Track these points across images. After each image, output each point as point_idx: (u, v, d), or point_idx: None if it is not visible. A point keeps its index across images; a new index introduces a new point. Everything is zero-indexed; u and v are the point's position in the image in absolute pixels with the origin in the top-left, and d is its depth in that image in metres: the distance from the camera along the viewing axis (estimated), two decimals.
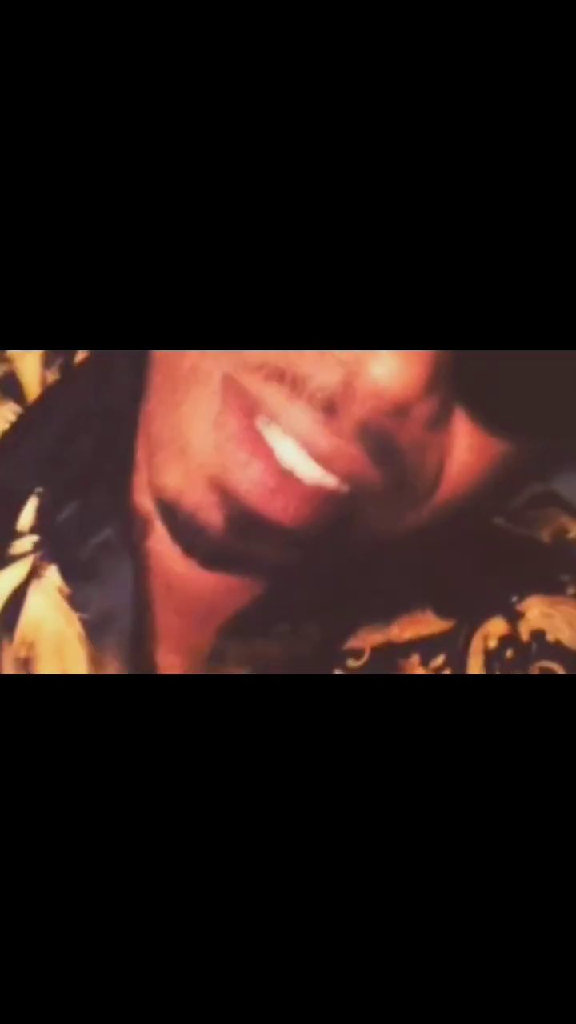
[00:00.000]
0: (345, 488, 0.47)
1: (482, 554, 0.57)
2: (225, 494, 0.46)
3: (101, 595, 0.51)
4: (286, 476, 0.46)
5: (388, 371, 0.45)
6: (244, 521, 0.47)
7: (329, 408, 0.45)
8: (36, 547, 0.52)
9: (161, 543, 0.51)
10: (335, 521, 0.48)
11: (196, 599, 0.52)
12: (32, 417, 0.54)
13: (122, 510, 0.52)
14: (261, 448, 0.46)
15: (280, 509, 0.46)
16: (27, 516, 0.52)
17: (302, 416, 0.46)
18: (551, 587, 0.57)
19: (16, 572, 0.51)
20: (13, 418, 0.54)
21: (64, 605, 0.51)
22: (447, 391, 0.47)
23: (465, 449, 0.48)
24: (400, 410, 0.45)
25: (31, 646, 0.52)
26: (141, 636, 0.52)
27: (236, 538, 0.47)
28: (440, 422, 0.47)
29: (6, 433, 0.53)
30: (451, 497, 0.49)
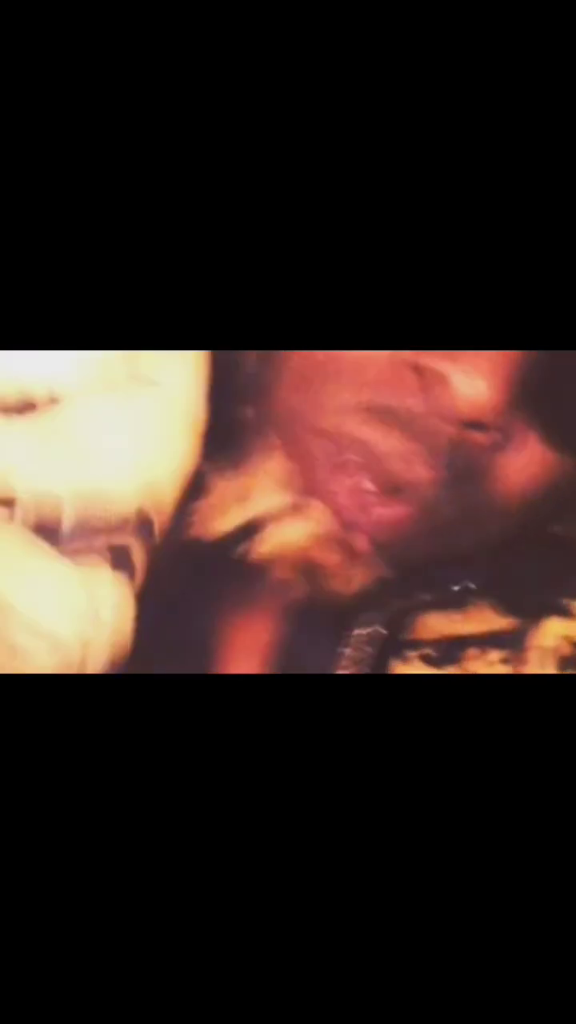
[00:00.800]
0: (428, 500, 0.52)
1: (541, 558, 0.61)
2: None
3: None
4: (378, 495, 0.52)
5: (473, 389, 0.49)
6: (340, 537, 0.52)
7: (413, 427, 0.51)
8: None
9: None
10: (418, 533, 0.53)
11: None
12: None
13: None
14: (355, 470, 0.52)
15: (372, 524, 0.52)
16: None
17: (387, 439, 0.51)
18: None
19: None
20: None
21: None
22: (522, 410, 0.51)
23: (534, 463, 0.53)
24: (481, 426, 0.51)
25: None
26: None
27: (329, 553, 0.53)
28: (514, 438, 0.52)
29: None
30: (517, 508, 0.54)
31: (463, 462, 0.51)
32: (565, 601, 0.59)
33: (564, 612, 0.60)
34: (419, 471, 0.51)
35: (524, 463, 0.53)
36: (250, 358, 0.55)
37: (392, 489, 0.52)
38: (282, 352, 0.53)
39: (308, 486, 0.53)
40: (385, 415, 0.51)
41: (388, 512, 0.52)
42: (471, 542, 0.56)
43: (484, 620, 0.60)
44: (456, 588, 0.60)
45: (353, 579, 0.55)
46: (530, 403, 0.52)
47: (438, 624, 0.59)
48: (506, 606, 0.60)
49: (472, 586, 0.60)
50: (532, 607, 0.60)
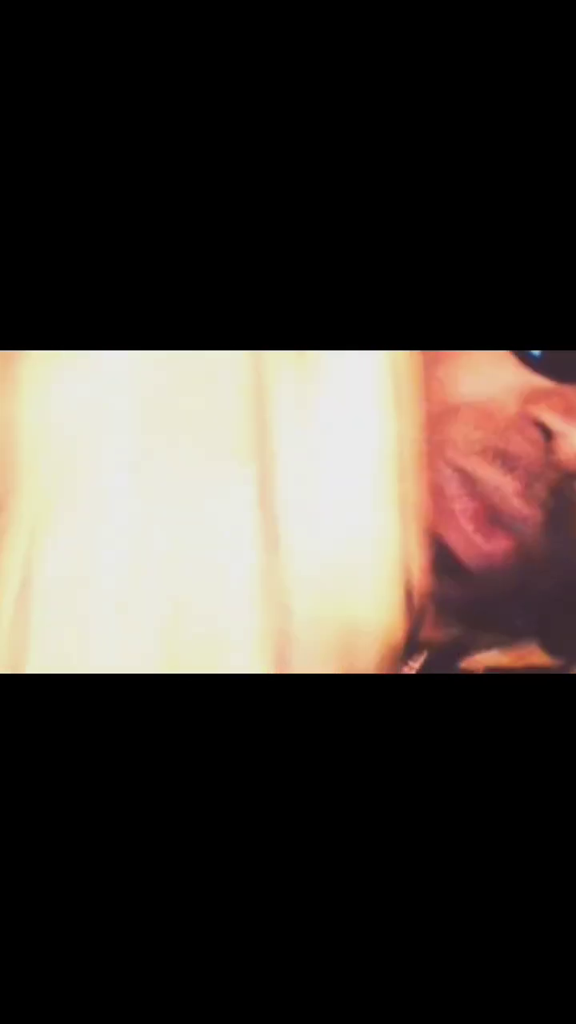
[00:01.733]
0: (527, 546, 0.56)
1: None
2: (432, 540, 0.55)
3: None
4: (485, 531, 0.55)
5: None
6: (444, 563, 0.56)
7: (525, 472, 0.55)
8: None
9: None
10: (509, 572, 0.56)
11: None
12: None
13: None
14: (469, 502, 0.56)
15: (475, 558, 0.56)
16: None
17: (501, 480, 0.55)
18: None
19: None
20: None
21: None
22: None
23: None
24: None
25: None
26: None
27: (430, 576, 0.56)
28: None
29: None
30: None
31: (563, 507, 0.55)
32: None
33: None
34: (522, 508, 0.55)
35: None
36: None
37: (494, 521, 0.56)
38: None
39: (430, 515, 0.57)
40: (503, 458, 0.56)
41: (490, 544, 0.56)
42: (550, 585, 0.59)
43: (529, 656, 0.62)
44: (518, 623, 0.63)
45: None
46: None
47: (485, 657, 0.63)
48: (554, 647, 0.63)
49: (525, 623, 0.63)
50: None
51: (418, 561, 0.55)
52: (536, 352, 0.56)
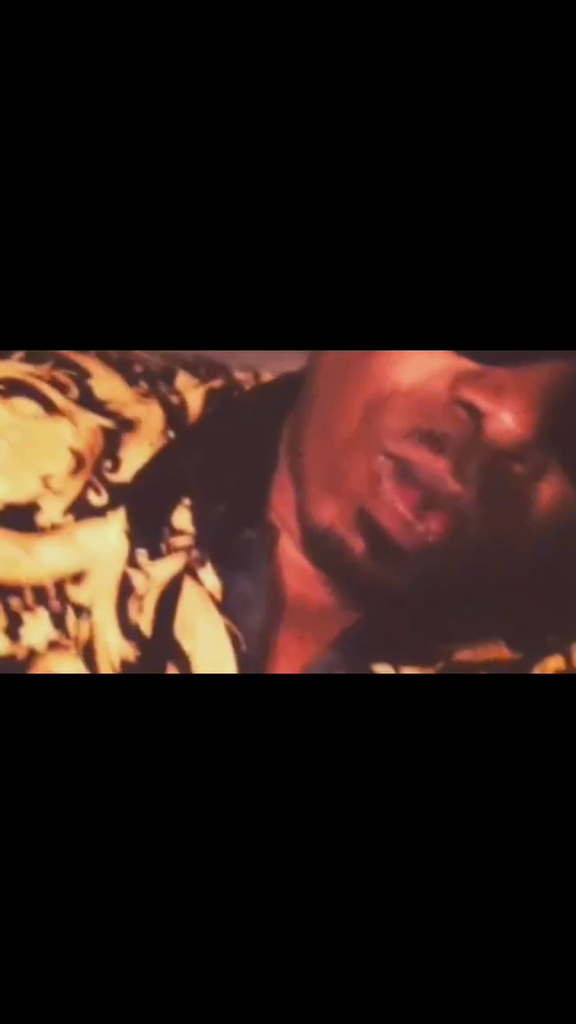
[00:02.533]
0: (464, 524, 0.57)
1: (549, 600, 0.64)
2: (370, 526, 0.57)
3: (244, 585, 0.61)
4: (420, 514, 0.56)
5: (513, 420, 0.55)
6: (382, 548, 0.57)
7: (456, 453, 0.56)
8: (191, 542, 0.61)
9: (289, 555, 0.61)
10: (450, 550, 0.57)
11: (312, 611, 0.62)
12: (191, 437, 0.64)
13: (261, 519, 0.62)
14: (403, 488, 0.56)
15: (412, 541, 0.56)
16: (182, 515, 0.62)
17: (433, 462, 0.56)
18: None
19: (173, 564, 0.61)
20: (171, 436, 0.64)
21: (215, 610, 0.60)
22: (549, 444, 0.56)
23: (553, 498, 0.58)
24: (516, 457, 0.56)
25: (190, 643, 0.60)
26: (267, 632, 0.61)
27: (370, 562, 0.57)
28: (541, 471, 0.57)
29: (168, 448, 0.63)
30: (536, 541, 0.58)
31: (498, 486, 0.57)
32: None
33: (566, 652, 0.63)
34: (457, 488, 0.56)
35: (551, 497, 0.58)
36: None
37: (430, 504, 0.57)
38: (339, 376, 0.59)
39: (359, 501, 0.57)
40: (434, 441, 0.56)
41: (424, 525, 0.57)
42: (500, 572, 0.60)
43: (492, 651, 0.63)
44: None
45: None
46: (558, 440, 0.57)
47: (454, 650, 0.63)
48: (515, 641, 0.64)
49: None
50: (538, 645, 0.63)
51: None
52: None
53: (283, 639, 0.61)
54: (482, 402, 0.55)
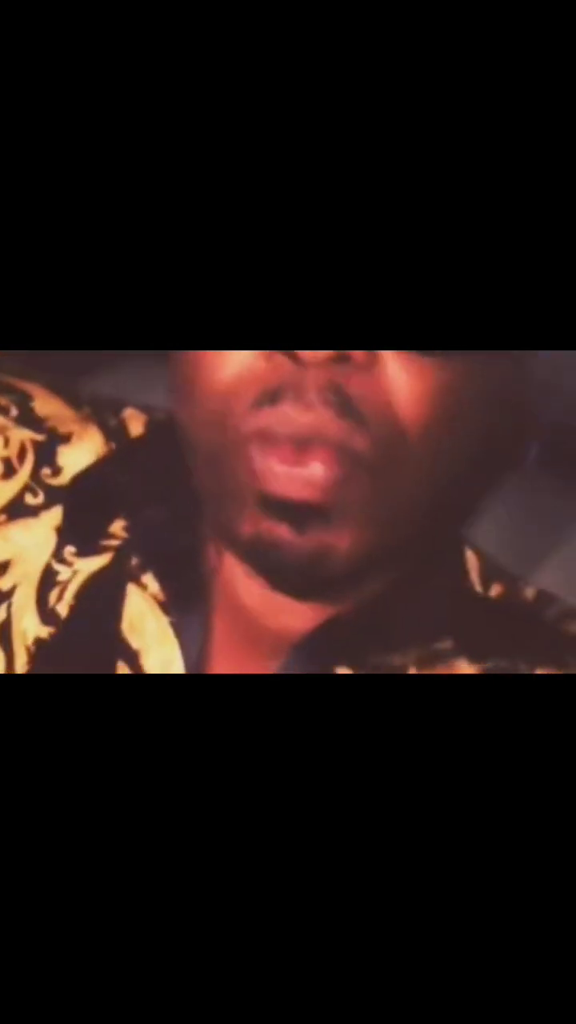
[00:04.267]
0: (341, 451, 0.56)
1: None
2: (274, 504, 0.57)
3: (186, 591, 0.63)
4: (299, 459, 0.56)
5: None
6: (298, 516, 0.57)
7: (293, 393, 0.56)
8: (123, 543, 0.64)
9: (232, 572, 0.63)
10: (355, 489, 0.57)
11: (262, 625, 0.63)
12: (132, 449, 0.67)
13: (198, 535, 0.64)
14: (272, 451, 0.57)
15: (312, 489, 0.57)
16: (118, 524, 0.64)
17: (278, 414, 0.56)
18: None
19: (99, 560, 0.63)
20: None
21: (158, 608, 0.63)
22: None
23: (410, 379, 0.57)
24: (344, 362, 0.56)
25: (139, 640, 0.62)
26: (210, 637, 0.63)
27: (302, 539, 0.57)
28: (374, 362, 0.57)
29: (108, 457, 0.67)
30: (424, 433, 0.58)
31: (340, 392, 0.56)
32: None
33: None
34: (309, 417, 0.56)
35: (404, 383, 0.57)
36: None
37: (301, 446, 0.57)
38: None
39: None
40: (269, 400, 0.57)
41: (309, 469, 0.57)
42: (410, 482, 0.59)
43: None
44: None
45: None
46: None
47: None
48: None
49: None
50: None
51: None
52: None
53: (228, 645, 0.63)
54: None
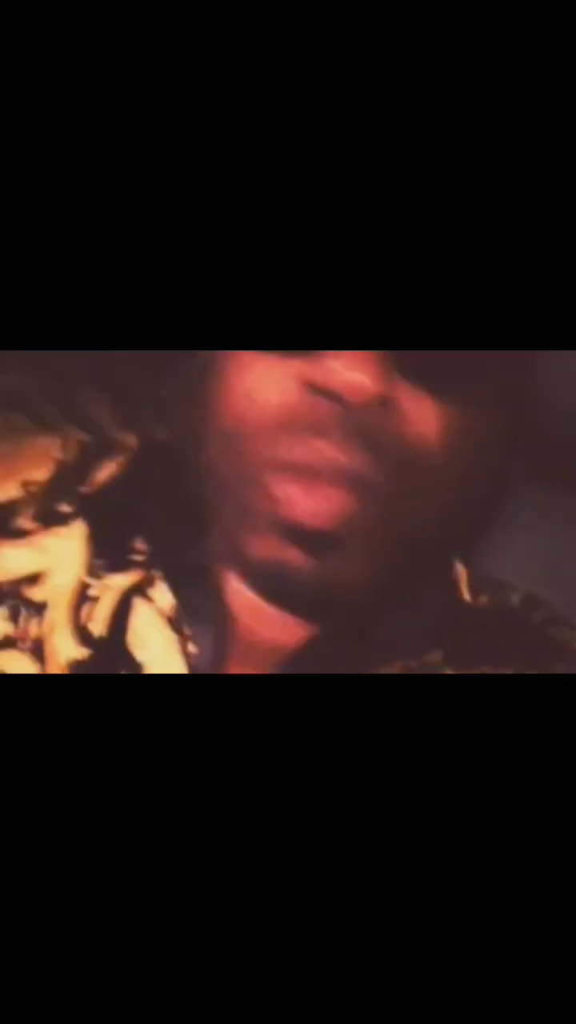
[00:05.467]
0: (356, 482, 0.58)
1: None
2: (288, 528, 0.59)
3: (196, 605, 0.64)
4: (314, 487, 0.58)
5: (352, 371, 0.57)
6: (311, 542, 0.59)
7: (315, 429, 0.58)
8: (147, 559, 0.65)
9: (229, 588, 0.64)
10: (368, 518, 0.59)
11: (254, 638, 0.64)
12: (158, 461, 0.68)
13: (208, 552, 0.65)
14: (293, 480, 0.59)
15: (323, 518, 0.58)
16: (140, 533, 0.66)
17: (307, 446, 0.58)
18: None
19: (127, 578, 0.64)
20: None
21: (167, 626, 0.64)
22: (391, 374, 0.58)
23: (425, 415, 0.59)
24: (377, 402, 0.58)
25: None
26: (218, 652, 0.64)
27: (314, 562, 0.59)
28: (394, 403, 0.59)
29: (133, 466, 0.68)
30: (436, 466, 0.60)
31: (368, 435, 0.59)
32: None
33: None
34: (337, 455, 0.58)
35: (425, 423, 0.60)
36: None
37: (321, 478, 0.59)
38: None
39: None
40: (301, 432, 0.59)
41: (325, 495, 0.59)
42: (426, 516, 0.61)
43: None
44: None
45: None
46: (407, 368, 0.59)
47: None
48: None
49: None
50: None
51: None
52: None
53: (224, 659, 0.64)
54: (329, 380, 0.57)
